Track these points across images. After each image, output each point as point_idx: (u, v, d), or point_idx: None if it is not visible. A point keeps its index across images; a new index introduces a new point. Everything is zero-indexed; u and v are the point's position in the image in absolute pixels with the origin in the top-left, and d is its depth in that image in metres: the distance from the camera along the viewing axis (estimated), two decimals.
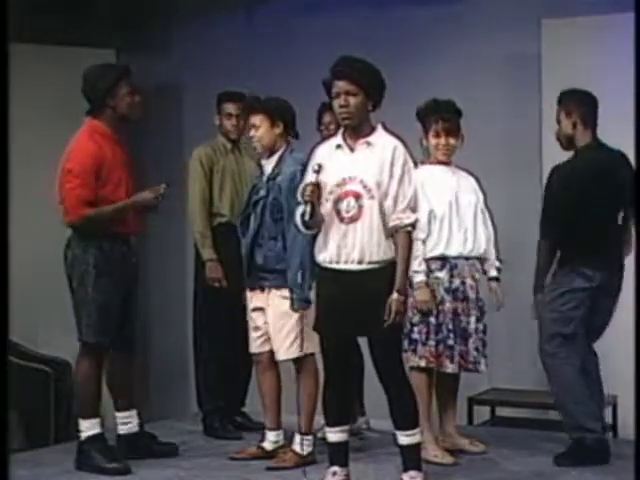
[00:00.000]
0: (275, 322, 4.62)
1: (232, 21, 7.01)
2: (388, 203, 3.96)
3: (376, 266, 3.95)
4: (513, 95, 6.24)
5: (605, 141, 4.72)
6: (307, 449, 4.62)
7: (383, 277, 3.94)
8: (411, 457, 4.03)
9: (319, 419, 4.48)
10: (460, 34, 6.32)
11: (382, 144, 4.02)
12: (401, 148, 4.02)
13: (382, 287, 3.92)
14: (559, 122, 4.73)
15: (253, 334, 4.74)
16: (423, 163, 4.78)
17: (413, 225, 4.01)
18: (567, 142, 4.73)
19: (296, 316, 4.54)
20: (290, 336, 4.58)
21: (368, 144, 4.02)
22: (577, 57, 4.82)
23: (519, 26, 6.17)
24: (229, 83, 5.56)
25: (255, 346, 4.76)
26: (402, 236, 3.97)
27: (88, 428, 4.60)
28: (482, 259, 4.81)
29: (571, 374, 4.60)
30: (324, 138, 4.59)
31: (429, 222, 4.64)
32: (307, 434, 4.63)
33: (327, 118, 5.09)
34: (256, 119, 4.68)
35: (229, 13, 7.00)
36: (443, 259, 4.67)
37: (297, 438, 4.64)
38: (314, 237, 4.37)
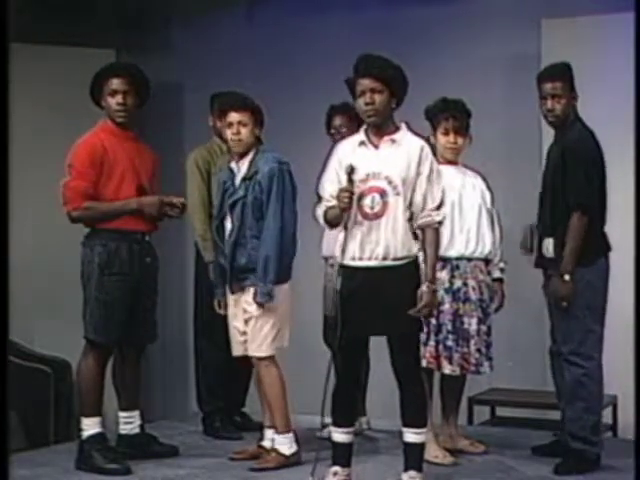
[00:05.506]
0: (257, 319, 4.54)
1: (232, 21, 7.02)
2: (417, 200, 3.97)
3: (399, 262, 3.95)
4: (513, 95, 6.24)
5: (605, 141, 4.64)
6: (291, 449, 4.59)
7: (406, 274, 3.95)
8: (414, 456, 4.02)
9: (317, 419, 4.48)
10: (460, 34, 6.33)
11: (408, 142, 4.03)
12: (427, 147, 4.05)
13: (405, 284, 3.93)
14: (559, 97, 4.53)
15: (240, 338, 4.64)
16: None
17: (441, 222, 4.04)
18: (564, 119, 4.58)
19: (277, 313, 4.52)
20: (270, 335, 4.54)
21: (393, 141, 4.02)
22: (577, 57, 4.81)
23: (519, 26, 6.18)
24: (229, 83, 5.55)
25: (242, 350, 4.65)
26: (431, 232, 4.01)
27: (89, 426, 4.60)
28: (487, 260, 4.79)
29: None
30: (335, 141, 4.56)
31: None
32: (286, 432, 4.60)
33: (338, 121, 5.07)
34: (244, 116, 4.57)
35: (229, 13, 7.01)
36: (444, 260, 4.64)
37: (277, 438, 4.60)
38: (284, 233, 4.41)
